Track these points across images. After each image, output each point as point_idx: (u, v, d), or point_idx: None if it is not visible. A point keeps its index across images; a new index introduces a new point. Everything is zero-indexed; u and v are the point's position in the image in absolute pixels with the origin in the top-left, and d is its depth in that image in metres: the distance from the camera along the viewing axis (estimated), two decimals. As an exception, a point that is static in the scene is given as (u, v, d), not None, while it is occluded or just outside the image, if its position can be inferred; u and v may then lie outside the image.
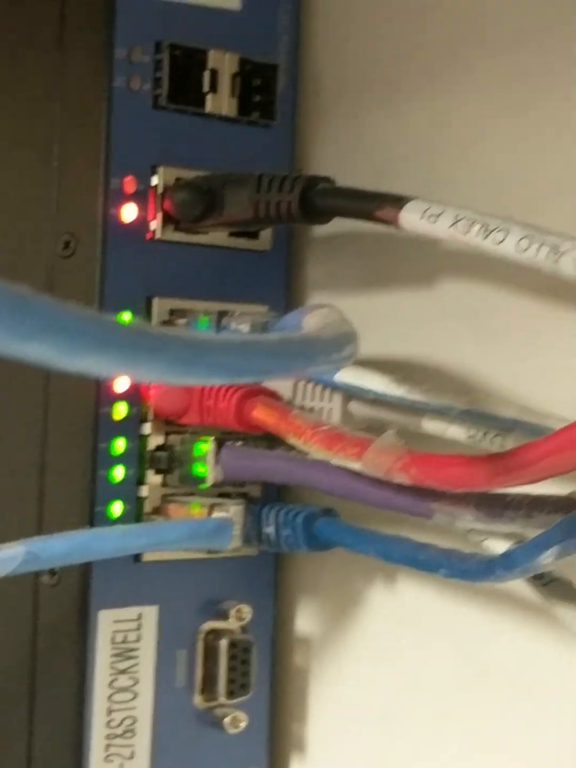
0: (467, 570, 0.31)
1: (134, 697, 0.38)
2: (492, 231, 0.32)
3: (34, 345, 0.19)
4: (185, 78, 0.38)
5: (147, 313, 0.38)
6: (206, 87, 0.38)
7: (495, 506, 0.30)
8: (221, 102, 0.39)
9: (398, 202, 0.34)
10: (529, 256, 0.31)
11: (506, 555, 0.30)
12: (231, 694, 0.39)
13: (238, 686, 0.39)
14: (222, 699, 0.39)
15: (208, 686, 0.39)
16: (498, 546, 0.32)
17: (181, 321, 0.38)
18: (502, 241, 0.31)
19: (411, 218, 0.34)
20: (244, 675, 0.39)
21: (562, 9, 0.35)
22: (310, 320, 0.33)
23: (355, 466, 0.32)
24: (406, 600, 0.39)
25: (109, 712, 0.38)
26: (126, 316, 0.38)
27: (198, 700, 0.39)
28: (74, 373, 0.38)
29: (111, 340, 0.21)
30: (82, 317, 0.20)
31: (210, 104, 0.38)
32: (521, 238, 0.31)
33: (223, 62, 0.38)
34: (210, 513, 0.37)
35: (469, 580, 0.32)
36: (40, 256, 0.38)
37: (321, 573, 0.41)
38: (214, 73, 0.38)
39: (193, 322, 0.38)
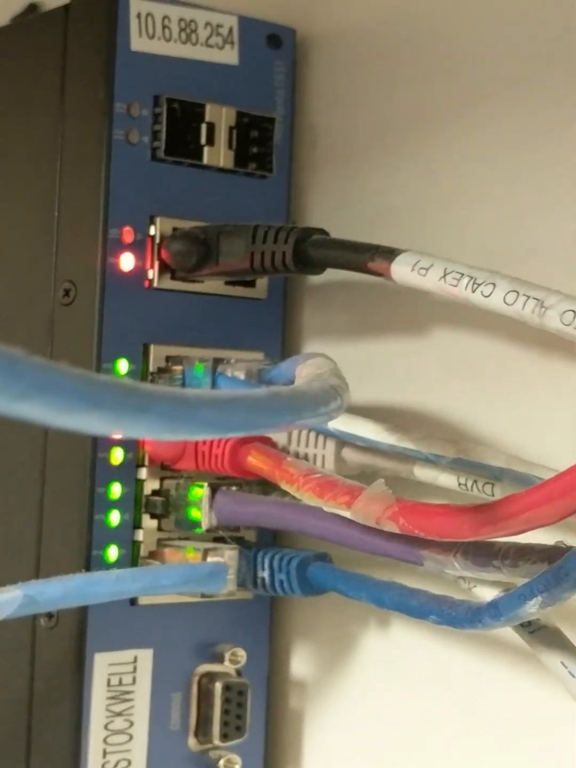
0: (456, 617, 0.31)
1: (129, 740, 0.38)
2: (480, 284, 0.32)
3: (26, 405, 0.20)
4: (183, 131, 0.38)
5: (144, 360, 0.38)
6: (204, 139, 0.39)
7: (482, 555, 0.30)
8: (218, 154, 0.39)
9: (389, 254, 0.34)
10: (516, 309, 0.31)
11: (492, 604, 0.30)
12: (225, 736, 0.39)
13: (232, 729, 0.39)
14: (216, 741, 0.39)
15: (203, 729, 0.39)
16: (487, 593, 0.32)
17: (178, 368, 0.38)
18: (489, 295, 0.32)
19: (401, 271, 0.34)
20: (238, 718, 0.39)
21: (554, 72, 0.36)
22: (303, 370, 0.33)
23: (346, 514, 0.32)
24: (400, 644, 0.39)
25: (105, 754, 0.38)
26: (123, 364, 0.38)
27: (192, 742, 0.39)
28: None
29: (99, 399, 0.21)
30: (70, 377, 0.20)
31: (207, 156, 0.39)
32: (508, 292, 0.31)
33: (221, 115, 0.39)
34: (205, 557, 0.37)
35: (458, 628, 0.31)
36: (42, 304, 0.39)
37: (315, 617, 0.41)
38: (211, 126, 0.39)
39: (189, 369, 0.38)
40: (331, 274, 0.38)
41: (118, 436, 0.38)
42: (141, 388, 0.22)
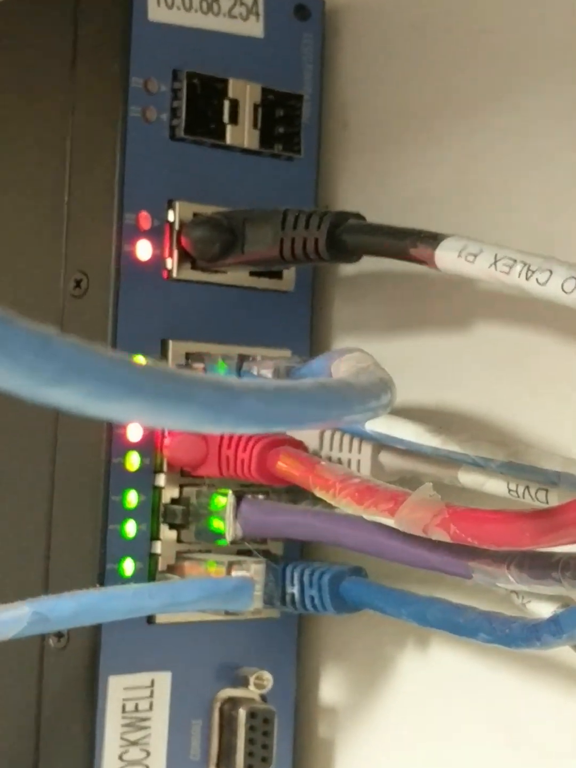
0: (510, 635, 0.31)
1: (146, 771, 0.38)
2: (535, 272, 0.32)
3: (59, 390, 0.19)
4: (204, 108, 0.38)
5: (162, 357, 0.38)
6: (226, 118, 0.39)
7: (539, 566, 0.30)
8: (242, 134, 0.39)
9: (434, 240, 0.34)
10: (575, 298, 0.31)
11: (554, 620, 0.29)
12: (250, 767, 0.38)
13: (257, 760, 0.39)
14: (240, 773, 0.39)
15: (225, 759, 0.39)
16: (544, 609, 0.32)
17: (198, 365, 0.38)
18: (545, 283, 0.31)
19: (447, 257, 0.34)
20: (264, 747, 0.39)
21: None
22: (341, 366, 0.33)
23: (389, 522, 0.32)
24: (440, 666, 0.39)
25: (119, 787, 0.38)
26: (140, 359, 0.38)
27: (214, 774, 0.39)
28: (86, 420, 0.38)
29: (138, 385, 0.20)
30: (107, 361, 0.20)
31: (230, 136, 0.39)
32: (566, 279, 0.31)
33: (245, 92, 0.39)
34: (228, 572, 0.37)
35: (513, 647, 0.31)
36: (51, 296, 0.39)
37: (348, 637, 0.41)
38: (234, 104, 0.39)
39: (210, 367, 0.38)
40: (364, 264, 0.38)
41: (135, 438, 0.37)
42: (183, 374, 0.22)
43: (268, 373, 0.37)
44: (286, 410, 0.23)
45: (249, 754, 0.39)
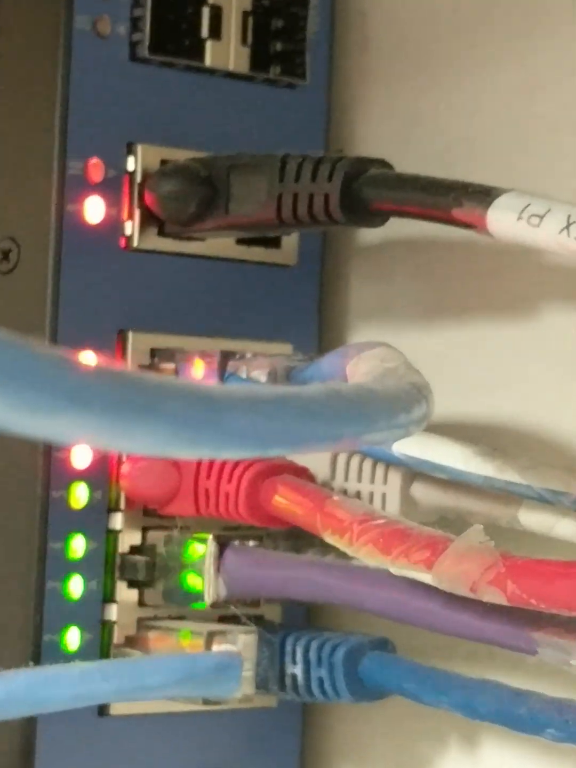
0: (588, 731, 0.32)
1: None
2: (624, 239, 0.32)
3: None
4: (176, 18, 0.38)
5: (119, 353, 0.38)
6: (206, 31, 0.39)
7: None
8: (227, 52, 0.39)
9: (486, 196, 0.34)
10: None
11: None
12: None
13: None
14: None
15: None
16: (632, 696, 0.32)
17: (168, 366, 0.38)
18: None
19: (504, 219, 0.34)
20: None
21: None
22: (359, 366, 0.33)
23: (425, 578, 0.32)
24: (493, 772, 0.39)
25: None
26: (88, 358, 0.38)
27: None
28: (15, 441, 0.38)
29: (82, 393, 0.20)
30: (39, 360, 0.20)
31: (211, 56, 0.39)
32: None
33: (231, -5, 0.39)
34: (208, 645, 0.37)
35: (593, 746, 0.32)
36: (-33, 272, 0.39)
37: (369, 733, 0.41)
38: (216, 11, 0.39)
39: (184, 368, 0.38)
40: (390, 229, 0.38)
41: (82, 465, 0.38)
42: (145, 379, 0.22)
43: (261, 375, 0.38)
44: (285, 427, 0.23)
45: None
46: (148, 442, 0.22)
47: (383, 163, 0.37)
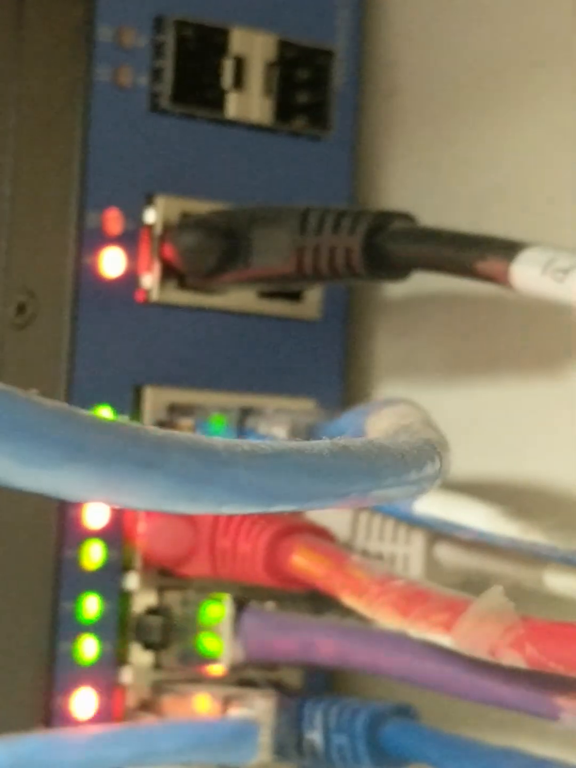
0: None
1: None
2: None
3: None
4: (198, 69, 0.39)
5: (136, 409, 0.39)
6: (228, 82, 0.39)
7: None
8: (250, 104, 0.40)
9: (510, 250, 0.34)
10: None
11: None
12: None
13: None
14: None
15: None
16: None
17: (186, 421, 0.39)
18: None
19: (528, 274, 0.34)
20: None
21: None
22: (377, 423, 0.33)
23: (444, 641, 0.32)
24: None
25: None
26: (104, 414, 0.38)
27: None
28: (29, 499, 0.38)
29: (82, 445, 0.21)
30: (39, 412, 0.20)
31: (233, 107, 0.39)
32: None
33: (254, 46, 0.40)
34: (225, 710, 0.38)
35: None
36: (-18, 325, 0.39)
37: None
38: (239, 62, 0.39)
39: (203, 424, 0.39)
40: (417, 283, 0.38)
41: (96, 524, 0.38)
42: (148, 433, 0.22)
43: (281, 432, 0.38)
44: (290, 482, 0.24)
45: None
46: (149, 497, 0.22)
47: (406, 217, 0.37)
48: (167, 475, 0.22)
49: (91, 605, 0.38)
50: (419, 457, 0.27)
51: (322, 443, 0.25)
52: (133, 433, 0.22)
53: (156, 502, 0.22)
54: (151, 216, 0.39)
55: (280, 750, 0.38)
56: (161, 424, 0.39)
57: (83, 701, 0.38)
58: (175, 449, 0.22)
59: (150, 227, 0.39)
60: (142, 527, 0.38)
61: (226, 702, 0.38)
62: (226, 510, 0.23)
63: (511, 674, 0.33)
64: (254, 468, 0.23)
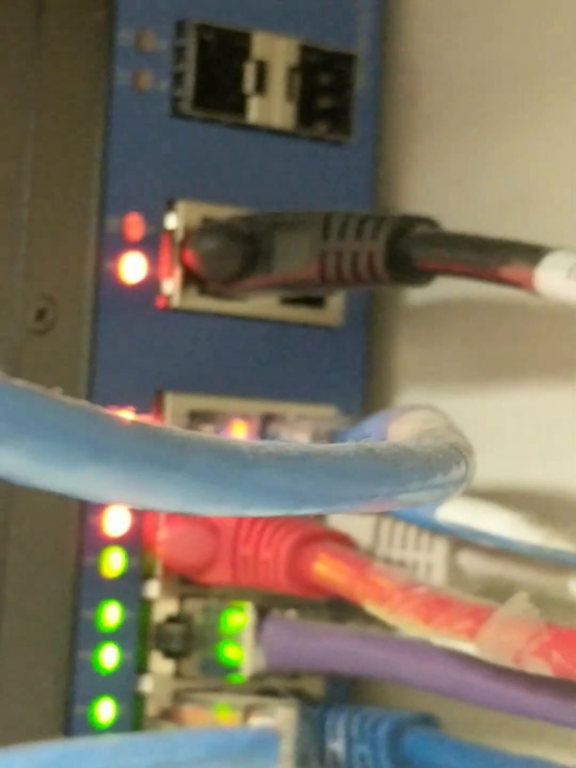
0: None
1: None
2: None
3: (-4, 452, 0.20)
4: (219, 73, 0.39)
5: (156, 414, 0.39)
6: (250, 86, 0.39)
7: None
8: (272, 108, 0.40)
9: (534, 255, 0.34)
10: None
11: None
12: None
13: None
14: None
15: None
16: None
17: (207, 428, 0.39)
18: None
19: (553, 279, 0.34)
20: None
21: None
22: (399, 428, 0.33)
23: (468, 648, 0.32)
24: None
25: None
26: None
27: None
28: (49, 506, 0.38)
29: (105, 445, 0.21)
30: (61, 411, 0.20)
31: (255, 111, 0.40)
32: None
33: (276, 50, 0.40)
34: (246, 719, 0.38)
35: None
36: (2, 331, 0.39)
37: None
38: (261, 67, 0.39)
39: (223, 430, 0.39)
40: (439, 289, 0.38)
41: (117, 531, 0.38)
42: (171, 433, 0.22)
43: (304, 438, 0.38)
44: (315, 484, 0.24)
45: None
46: (172, 499, 0.22)
47: (429, 222, 0.37)
48: (192, 477, 0.22)
49: (112, 613, 0.38)
50: (445, 461, 0.27)
51: (348, 445, 0.25)
52: (157, 433, 0.22)
53: (180, 504, 0.22)
54: (172, 221, 0.39)
55: (301, 760, 0.38)
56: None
57: (103, 710, 0.38)
58: (200, 450, 0.22)
59: (171, 232, 0.39)
60: (162, 534, 0.38)
61: (248, 711, 0.38)
62: (251, 512, 0.23)
63: (536, 682, 0.33)
64: (280, 469, 0.23)
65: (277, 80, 0.40)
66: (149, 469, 0.21)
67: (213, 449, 0.22)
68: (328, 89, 0.40)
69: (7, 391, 0.20)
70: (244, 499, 0.23)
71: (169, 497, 0.22)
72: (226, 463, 0.23)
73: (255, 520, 0.37)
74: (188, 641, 0.39)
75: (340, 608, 0.38)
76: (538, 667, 0.31)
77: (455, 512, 0.36)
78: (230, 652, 0.38)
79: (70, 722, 0.38)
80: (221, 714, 0.38)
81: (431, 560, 0.37)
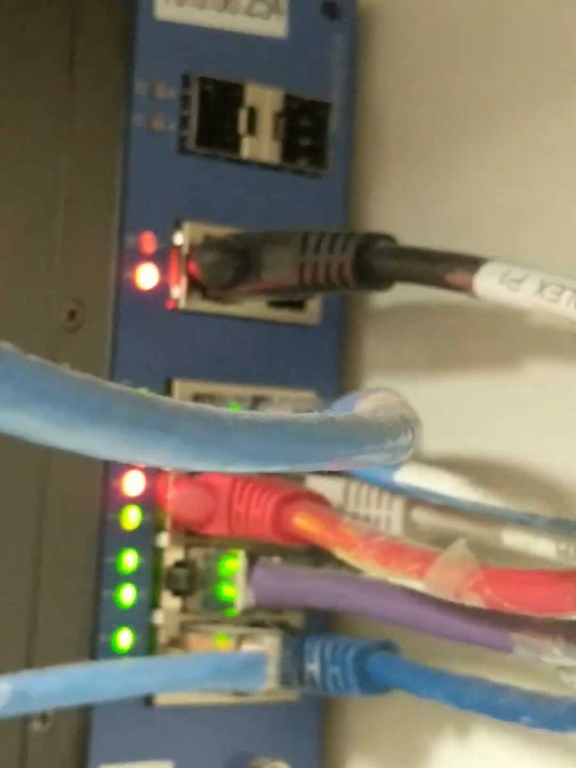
0: (557, 718, 0.31)
1: None
2: (588, 299, 0.32)
3: (13, 413, 0.19)
4: (218, 117, 0.39)
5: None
6: (243, 128, 0.39)
7: (591, 637, 0.30)
8: (261, 146, 0.39)
9: (473, 264, 0.34)
10: (633, 329, 0.31)
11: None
12: None
13: None
14: None
15: None
16: (596, 688, 0.32)
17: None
18: (600, 312, 0.32)
19: (488, 284, 0.34)
20: None
21: None
22: (363, 406, 0.33)
23: (418, 585, 0.32)
24: (484, 757, 0.39)
25: None
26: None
27: None
28: (78, 471, 0.38)
29: (107, 411, 0.21)
30: (71, 383, 0.20)
31: (247, 149, 0.39)
32: (624, 309, 0.31)
33: (264, 99, 0.39)
34: (239, 645, 0.37)
35: (559, 731, 0.31)
36: (40, 328, 0.39)
37: (377, 723, 0.41)
38: (252, 112, 0.39)
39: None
40: (399, 294, 0.38)
41: (134, 492, 0.38)
42: (163, 402, 0.22)
43: (287, 414, 0.38)
44: (284, 446, 0.23)
45: None
46: (163, 456, 0.22)
47: (388, 238, 0.37)
48: (179, 438, 0.22)
49: (129, 559, 0.38)
50: (394, 430, 0.27)
51: (312, 415, 0.25)
52: (150, 401, 0.22)
53: (169, 461, 0.22)
54: (179, 238, 0.39)
55: (284, 679, 0.37)
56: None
57: (123, 638, 0.38)
58: (187, 417, 0.22)
59: (178, 247, 0.39)
60: (171, 495, 0.38)
61: (240, 639, 0.38)
62: (230, 469, 0.23)
63: (473, 613, 0.32)
64: (254, 434, 0.23)
65: (265, 124, 0.40)
66: (144, 431, 0.21)
67: (198, 416, 0.22)
68: (308, 131, 0.40)
69: (25, 365, 0.20)
70: (224, 458, 0.23)
71: (160, 455, 0.22)
72: (209, 428, 0.22)
73: (246, 483, 0.37)
74: (192, 582, 0.38)
75: (316, 555, 0.38)
76: (474, 600, 0.31)
77: (410, 476, 0.36)
78: (226, 591, 0.38)
79: (96, 648, 0.37)
80: (219, 641, 0.38)
81: (390, 516, 0.37)
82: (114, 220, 0.38)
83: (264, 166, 0.40)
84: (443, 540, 0.36)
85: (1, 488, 0.40)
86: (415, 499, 0.37)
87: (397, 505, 0.37)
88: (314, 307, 0.40)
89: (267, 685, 0.37)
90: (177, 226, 0.39)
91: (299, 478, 0.38)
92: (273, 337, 0.40)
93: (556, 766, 0.37)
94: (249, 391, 0.39)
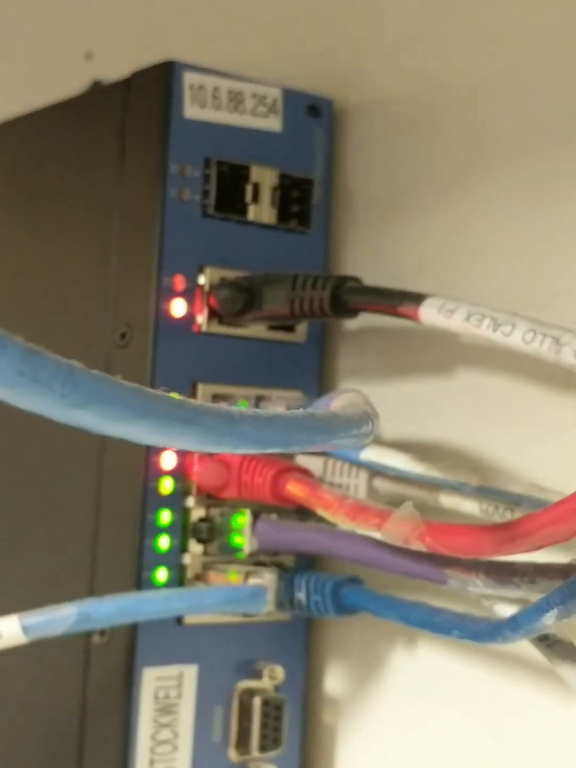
0: (478, 632, 0.31)
1: (174, 750, 0.38)
2: (500, 325, 0.32)
3: (81, 413, 0.20)
4: (230, 190, 0.39)
5: (192, 397, 0.38)
6: (249, 198, 0.39)
7: (502, 573, 0.30)
8: (262, 211, 0.40)
9: (417, 299, 0.35)
10: (534, 347, 0.31)
11: (512, 618, 0.30)
12: (263, 748, 0.39)
13: (270, 741, 0.39)
14: (255, 753, 0.39)
15: (243, 741, 0.39)
16: (507, 610, 0.32)
17: (223, 403, 0.39)
18: (509, 334, 0.32)
19: (429, 313, 0.34)
20: (275, 731, 0.39)
21: (565, 131, 0.36)
22: (336, 403, 0.34)
23: (377, 535, 0.33)
24: (426, 661, 0.39)
25: (151, 762, 0.38)
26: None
27: (233, 754, 0.39)
28: (127, 450, 0.38)
29: (148, 409, 0.21)
30: (123, 389, 0.21)
31: (252, 213, 0.39)
32: (526, 331, 0.32)
33: (265, 177, 0.40)
34: (246, 580, 0.37)
35: (480, 642, 0.31)
36: (100, 345, 0.39)
37: (348, 637, 0.41)
38: (256, 187, 0.39)
39: (233, 405, 0.38)
40: (365, 320, 0.38)
41: (168, 466, 0.38)
42: (189, 402, 0.22)
43: (281, 410, 0.38)
44: (277, 435, 0.24)
45: (263, 737, 0.39)
46: (189, 442, 0.22)
47: (356, 279, 0.37)
48: (201, 428, 0.22)
49: (165, 516, 0.38)
50: (359, 422, 0.27)
51: (299, 411, 0.25)
52: (180, 402, 0.22)
53: (194, 446, 0.23)
54: (202, 279, 0.39)
55: (279, 605, 0.38)
56: (208, 406, 0.39)
57: (160, 574, 0.38)
58: (206, 413, 0.23)
59: (201, 286, 0.39)
60: (196, 468, 0.38)
61: (247, 575, 0.38)
62: (239, 451, 0.23)
63: (418, 555, 0.33)
64: (256, 425, 0.23)
65: (266, 195, 0.40)
66: (175, 424, 0.22)
67: (214, 412, 0.23)
68: (297, 200, 0.40)
69: (85, 375, 0.20)
70: (234, 443, 0.23)
71: (187, 441, 0.22)
72: (222, 420, 0.23)
73: (251, 460, 0.37)
74: (211, 533, 0.38)
75: (303, 513, 0.38)
76: (418, 546, 0.31)
77: (372, 454, 0.36)
78: (237, 540, 0.38)
79: (140, 582, 0.37)
80: (231, 577, 0.38)
81: (357, 484, 0.37)
82: (154, 265, 0.38)
83: (264, 226, 0.40)
84: (396, 502, 0.36)
85: (70, 465, 0.40)
86: (375, 471, 0.37)
87: (363, 476, 0.37)
88: (302, 329, 0.40)
89: (267, 609, 0.37)
90: (200, 270, 0.39)
91: (290, 456, 0.38)
92: (271, 352, 0.40)
93: (478, 669, 0.37)
94: (253, 391, 0.39)
